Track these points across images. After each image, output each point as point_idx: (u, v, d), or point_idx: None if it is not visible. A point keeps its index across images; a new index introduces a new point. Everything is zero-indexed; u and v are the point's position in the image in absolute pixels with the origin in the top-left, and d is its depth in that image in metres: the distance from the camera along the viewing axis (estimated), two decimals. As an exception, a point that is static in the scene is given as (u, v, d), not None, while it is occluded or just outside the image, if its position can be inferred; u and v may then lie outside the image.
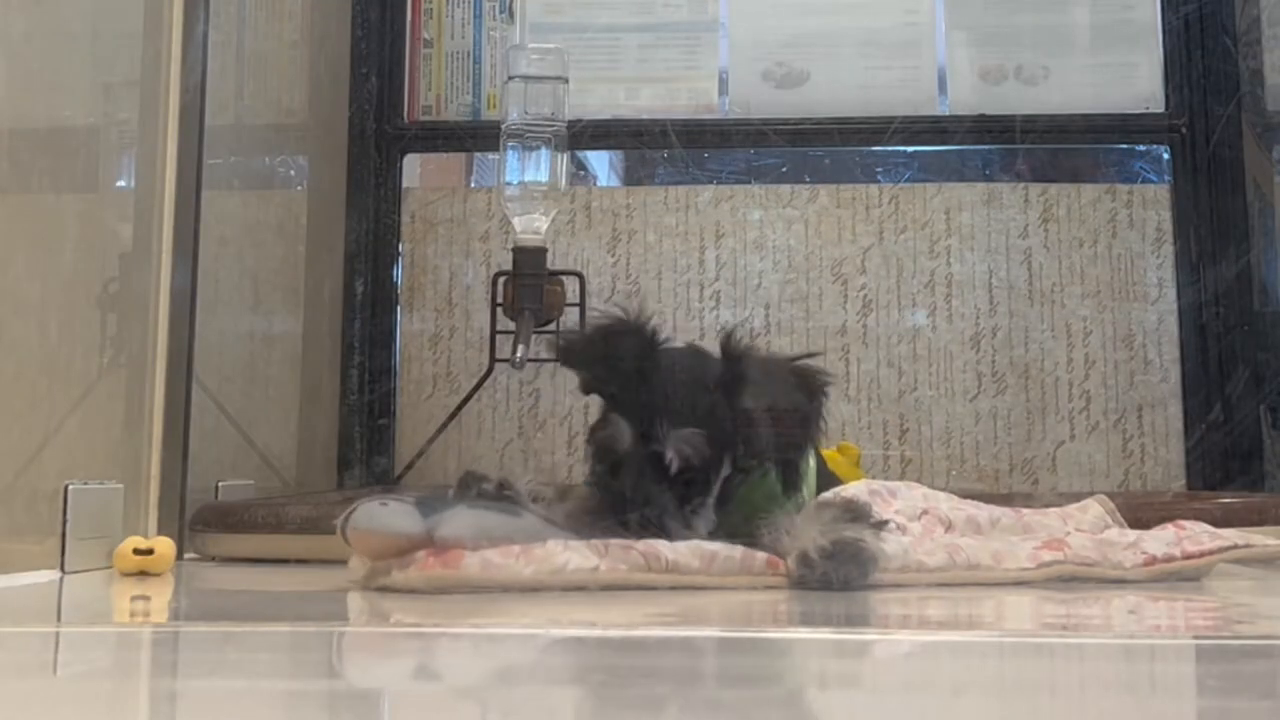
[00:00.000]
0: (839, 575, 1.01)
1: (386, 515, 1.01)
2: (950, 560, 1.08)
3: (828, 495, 1.21)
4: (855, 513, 1.09)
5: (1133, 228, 1.91)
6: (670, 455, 1.07)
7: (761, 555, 1.04)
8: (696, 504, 1.08)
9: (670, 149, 1.99)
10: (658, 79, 1.99)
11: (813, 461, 1.28)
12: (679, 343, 1.17)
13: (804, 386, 1.14)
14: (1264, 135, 1.89)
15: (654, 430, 1.07)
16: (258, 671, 0.74)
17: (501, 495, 1.08)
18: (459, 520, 1.00)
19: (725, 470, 1.10)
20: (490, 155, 2.06)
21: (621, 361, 1.11)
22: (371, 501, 1.02)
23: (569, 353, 1.19)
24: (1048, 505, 1.31)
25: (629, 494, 1.07)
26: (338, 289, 1.93)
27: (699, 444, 1.07)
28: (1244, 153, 1.89)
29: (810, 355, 1.18)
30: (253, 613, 1.04)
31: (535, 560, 0.99)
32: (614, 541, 1.03)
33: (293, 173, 1.87)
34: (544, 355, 1.73)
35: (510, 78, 1.74)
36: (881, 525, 1.09)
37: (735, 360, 1.12)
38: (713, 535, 1.08)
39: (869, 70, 1.97)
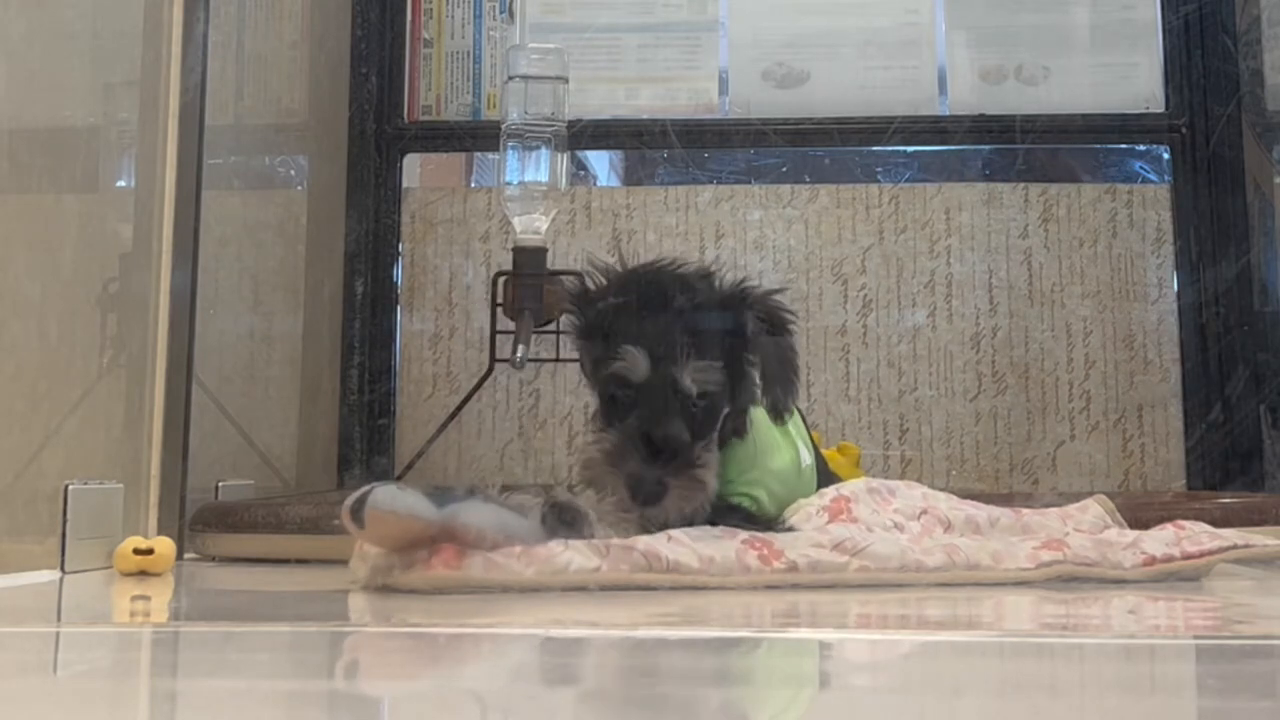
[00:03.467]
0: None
1: (409, 499, 0.98)
2: (949, 560, 1.08)
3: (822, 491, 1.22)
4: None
5: (1133, 228, 1.91)
6: (689, 383, 1.06)
7: (753, 553, 1.04)
8: (708, 440, 1.08)
9: (670, 149, 1.99)
10: (658, 79, 1.99)
11: (811, 459, 1.28)
12: (673, 266, 1.14)
13: (776, 322, 1.13)
14: (1264, 135, 1.89)
15: (673, 358, 1.06)
16: (258, 671, 0.74)
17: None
18: (477, 511, 1.00)
19: (727, 408, 1.10)
20: (490, 155, 2.06)
21: (632, 296, 1.10)
22: (388, 485, 1.01)
23: (581, 293, 1.15)
24: (1048, 505, 1.31)
25: (649, 425, 1.06)
26: (338, 289, 1.93)
27: (716, 374, 1.07)
28: (1244, 153, 1.89)
29: (776, 291, 1.16)
30: (253, 613, 1.04)
31: (537, 561, 0.99)
32: (615, 542, 1.03)
33: (293, 173, 1.87)
34: (544, 355, 1.73)
35: (510, 78, 1.74)
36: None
37: (732, 298, 1.12)
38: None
39: (869, 70, 1.97)
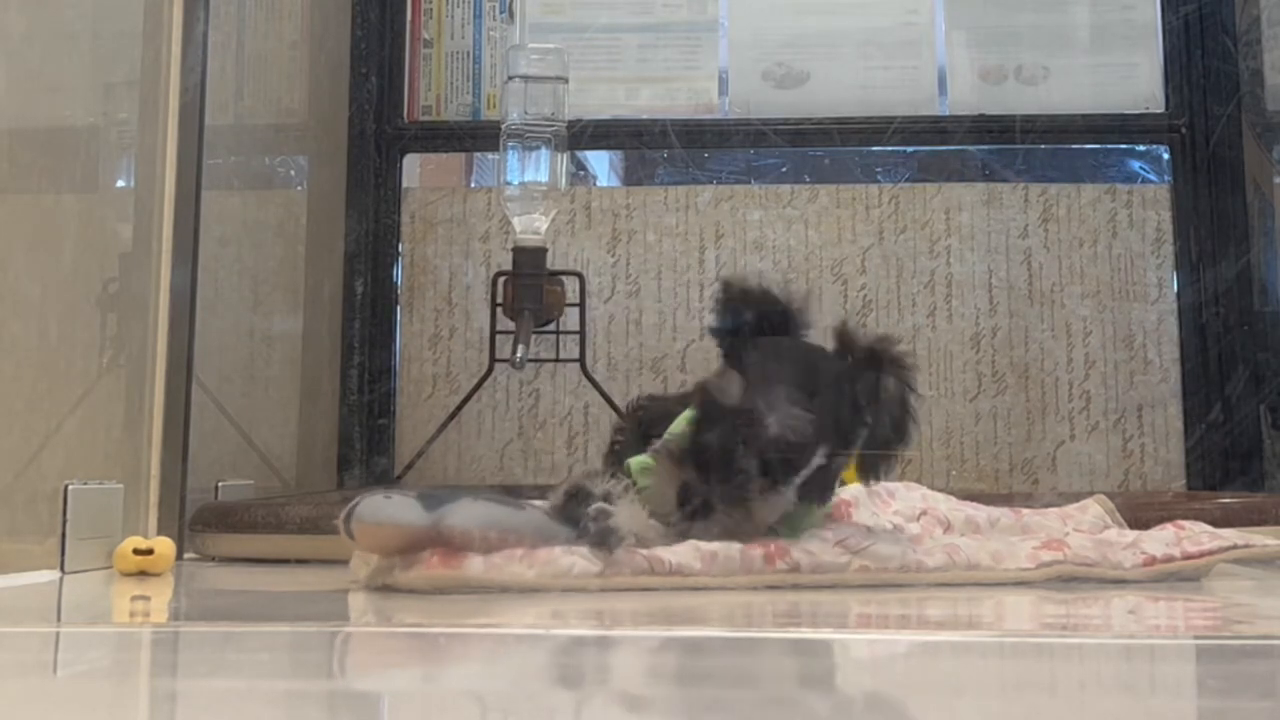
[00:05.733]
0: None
1: (392, 508, 0.99)
2: (950, 560, 1.08)
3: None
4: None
5: (1133, 228, 1.91)
6: (771, 422, 1.03)
7: (758, 552, 1.04)
8: (778, 484, 1.06)
9: (670, 149, 1.99)
10: (658, 79, 1.99)
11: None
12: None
13: (899, 381, 1.11)
14: (1264, 135, 1.89)
15: (767, 397, 1.04)
16: (258, 671, 0.74)
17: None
18: (465, 511, 1.00)
19: (818, 461, 1.06)
20: (490, 155, 2.06)
21: (764, 324, 1.10)
22: (375, 495, 1.02)
23: (731, 292, 1.14)
24: (1048, 505, 1.31)
25: (718, 445, 1.04)
26: (338, 289, 1.93)
27: (803, 427, 1.04)
28: (1244, 153, 1.89)
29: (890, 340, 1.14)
30: (253, 613, 1.04)
31: (538, 563, 0.99)
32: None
33: (293, 173, 1.87)
34: (544, 355, 1.74)
35: (510, 78, 1.74)
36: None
37: (850, 356, 1.10)
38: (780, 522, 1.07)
39: (869, 70, 1.97)
